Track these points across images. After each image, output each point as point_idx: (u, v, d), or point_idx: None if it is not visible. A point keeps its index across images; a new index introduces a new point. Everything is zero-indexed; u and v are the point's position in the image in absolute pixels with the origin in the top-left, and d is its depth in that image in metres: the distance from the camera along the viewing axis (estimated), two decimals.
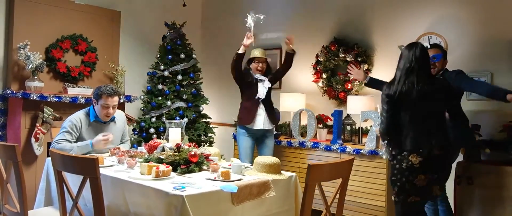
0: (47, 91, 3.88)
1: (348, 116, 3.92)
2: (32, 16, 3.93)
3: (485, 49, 3.40)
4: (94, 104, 3.11)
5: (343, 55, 4.04)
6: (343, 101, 4.12)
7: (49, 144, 3.83)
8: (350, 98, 3.87)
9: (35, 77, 3.81)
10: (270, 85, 3.69)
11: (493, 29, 3.37)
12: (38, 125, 3.81)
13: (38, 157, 3.85)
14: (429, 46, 3.13)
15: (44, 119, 3.83)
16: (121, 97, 3.38)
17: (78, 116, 3.08)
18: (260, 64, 3.72)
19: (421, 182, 2.38)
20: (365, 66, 3.97)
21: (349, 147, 3.57)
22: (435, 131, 2.38)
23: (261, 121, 3.68)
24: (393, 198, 2.50)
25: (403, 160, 2.40)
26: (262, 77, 3.70)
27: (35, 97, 3.70)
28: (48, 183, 2.85)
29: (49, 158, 2.77)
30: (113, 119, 3.21)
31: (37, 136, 3.79)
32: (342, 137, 3.80)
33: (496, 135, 3.19)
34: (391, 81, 2.51)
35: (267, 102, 3.72)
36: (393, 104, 2.44)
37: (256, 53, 3.75)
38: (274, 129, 3.88)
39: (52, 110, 3.86)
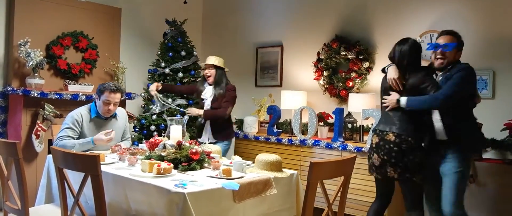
0: (47, 88, 3.88)
1: (349, 114, 3.92)
2: (33, 13, 3.91)
3: (488, 47, 3.38)
4: (96, 100, 3.11)
5: (344, 53, 4.03)
6: (344, 99, 4.11)
7: (49, 141, 3.83)
8: (351, 96, 3.86)
9: (36, 74, 3.80)
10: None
11: (496, 27, 3.35)
12: (38, 122, 3.80)
13: (39, 154, 3.84)
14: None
15: (45, 116, 3.83)
16: (123, 94, 3.38)
17: (80, 112, 3.09)
18: (206, 70, 3.71)
19: (376, 161, 2.65)
20: (367, 64, 3.96)
21: (350, 145, 3.56)
22: (396, 121, 2.62)
23: (205, 135, 3.74)
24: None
25: (371, 138, 2.79)
26: (206, 99, 3.70)
27: (35, 94, 3.69)
28: (49, 180, 2.85)
29: (50, 155, 2.76)
30: (114, 116, 3.21)
31: (38, 133, 3.79)
32: (343, 135, 3.79)
33: (498, 133, 3.19)
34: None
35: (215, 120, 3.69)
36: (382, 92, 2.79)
37: (207, 60, 3.73)
38: (228, 144, 3.78)
39: (52, 107, 3.86)
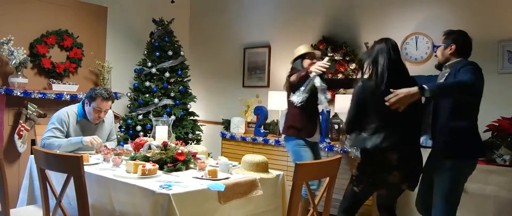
0: (31, 87, 3.81)
1: (335, 115, 3.94)
2: (16, 10, 3.85)
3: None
4: (85, 105, 3.05)
5: (331, 54, 4.05)
6: (330, 100, 4.12)
7: (33, 141, 3.76)
8: (337, 97, 3.89)
9: (19, 73, 3.73)
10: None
11: (479, 30, 3.39)
12: (21, 122, 3.74)
13: (22, 155, 3.78)
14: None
15: (28, 116, 3.77)
16: (114, 101, 3.30)
17: (66, 111, 3.04)
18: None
19: None
20: (353, 66, 3.99)
21: (337, 146, 3.58)
22: None
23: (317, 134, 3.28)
24: None
25: None
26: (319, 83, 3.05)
27: (18, 94, 3.63)
28: (31, 181, 2.80)
29: (33, 156, 2.71)
30: None
31: (21, 133, 3.72)
32: (329, 136, 3.81)
33: (481, 134, 3.23)
34: None
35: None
36: None
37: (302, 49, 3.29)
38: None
39: (36, 107, 3.79)
